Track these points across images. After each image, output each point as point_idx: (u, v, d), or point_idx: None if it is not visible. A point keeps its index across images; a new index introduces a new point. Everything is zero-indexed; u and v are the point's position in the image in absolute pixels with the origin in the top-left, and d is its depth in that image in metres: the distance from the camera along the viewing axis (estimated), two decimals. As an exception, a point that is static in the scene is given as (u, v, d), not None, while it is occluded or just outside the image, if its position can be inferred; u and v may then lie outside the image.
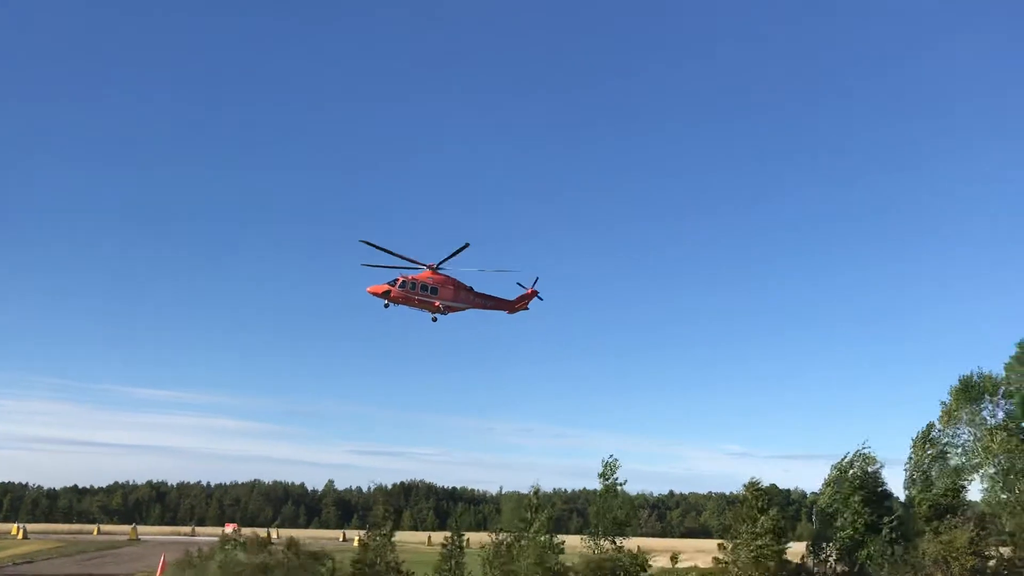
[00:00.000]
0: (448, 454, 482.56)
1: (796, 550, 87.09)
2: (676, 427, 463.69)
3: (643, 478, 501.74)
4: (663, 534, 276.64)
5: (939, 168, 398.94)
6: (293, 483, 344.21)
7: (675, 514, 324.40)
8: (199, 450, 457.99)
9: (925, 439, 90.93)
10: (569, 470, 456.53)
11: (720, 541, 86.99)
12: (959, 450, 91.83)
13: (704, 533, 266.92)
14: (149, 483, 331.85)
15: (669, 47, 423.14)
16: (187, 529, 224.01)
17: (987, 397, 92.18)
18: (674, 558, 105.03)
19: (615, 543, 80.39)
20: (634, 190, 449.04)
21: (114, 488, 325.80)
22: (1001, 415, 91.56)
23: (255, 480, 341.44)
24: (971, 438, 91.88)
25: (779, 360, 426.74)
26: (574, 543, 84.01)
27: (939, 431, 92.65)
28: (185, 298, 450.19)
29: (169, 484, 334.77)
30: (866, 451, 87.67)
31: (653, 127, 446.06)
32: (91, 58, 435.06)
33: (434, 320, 73.25)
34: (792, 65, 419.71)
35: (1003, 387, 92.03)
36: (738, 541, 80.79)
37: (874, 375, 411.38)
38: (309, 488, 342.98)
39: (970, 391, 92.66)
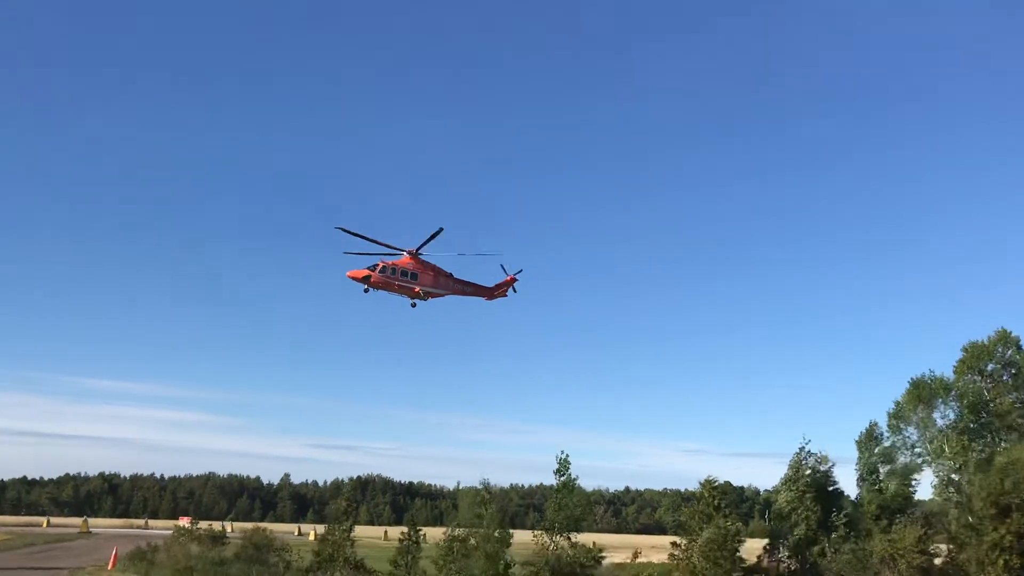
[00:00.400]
0: (405, 449, 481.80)
1: (749, 547, 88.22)
2: (631, 424, 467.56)
3: (599, 474, 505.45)
4: (618, 530, 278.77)
5: (889, 170, 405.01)
6: (248, 476, 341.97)
7: (630, 510, 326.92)
8: (153, 442, 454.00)
9: (868, 438, 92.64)
10: (526, 465, 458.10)
11: (674, 539, 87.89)
12: (908, 451, 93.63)
13: (659, 529, 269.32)
14: (101, 475, 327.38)
15: (658, 25, 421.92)
16: (140, 522, 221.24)
17: (939, 399, 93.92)
18: (636, 554, 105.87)
19: (569, 539, 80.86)
20: (595, 178, 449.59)
21: (65, 480, 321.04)
22: (952, 416, 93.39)
23: (210, 473, 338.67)
24: (920, 439, 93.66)
25: (734, 358, 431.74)
26: (528, 539, 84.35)
27: (886, 432, 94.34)
28: (140, 287, 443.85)
29: (122, 476, 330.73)
30: (811, 449, 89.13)
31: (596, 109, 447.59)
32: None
33: (413, 306, 73.48)
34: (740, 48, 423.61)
35: (953, 389, 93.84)
36: (693, 538, 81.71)
37: (828, 374, 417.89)
38: (264, 482, 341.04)
39: (921, 393, 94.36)
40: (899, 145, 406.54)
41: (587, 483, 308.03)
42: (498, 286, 77.81)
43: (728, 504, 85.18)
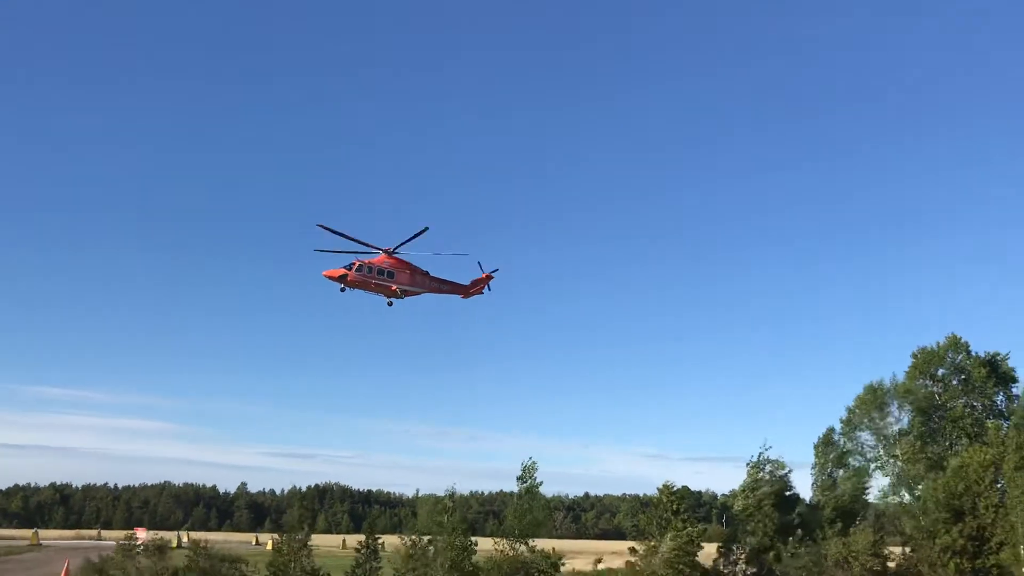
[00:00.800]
0: (364, 456, 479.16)
1: (707, 551, 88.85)
2: (592, 429, 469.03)
3: (558, 480, 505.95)
4: (578, 536, 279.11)
5: (842, 175, 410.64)
6: (204, 485, 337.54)
7: (590, 516, 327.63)
8: (106, 451, 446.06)
9: (826, 443, 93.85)
10: (485, 472, 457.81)
11: (631, 544, 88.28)
12: (862, 455, 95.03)
13: (618, 535, 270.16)
14: (52, 485, 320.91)
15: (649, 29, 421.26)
16: (92, 533, 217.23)
17: (892, 404, 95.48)
18: (598, 560, 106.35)
19: (529, 545, 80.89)
20: (554, 184, 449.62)
21: (14, 491, 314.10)
22: (906, 420, 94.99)
23: (165, 482, 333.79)
24: (874, 443, 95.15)
25: (694, 363, 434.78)
26: (489, 545, 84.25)
27: (841, 436, 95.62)
28: (92, 292, 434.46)
29: (74, 486, 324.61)
30: (771, 454, 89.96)
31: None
32: None
33: (390, 304, 73.01)
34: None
35: (905, 394, 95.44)
36: (652, 543, 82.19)
37: (786, 379, 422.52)
38: (221, 490, 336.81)
39: (875, 397, 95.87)
40: (850, 155, 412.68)
41: (547, 489, 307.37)
42: (474, 284, 77.25)
43: (686, 509, 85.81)
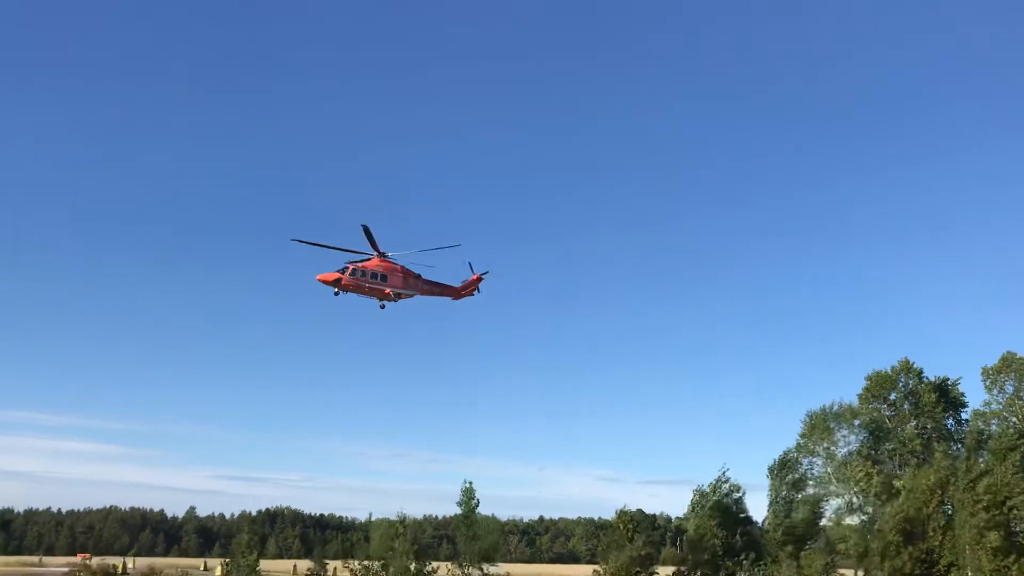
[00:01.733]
0: (315, 480, 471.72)
1: (663, 574, 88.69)
2: (547, 452, 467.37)
3: (514, 504, 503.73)
4: (532, 560, 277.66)
5: (791, 203, 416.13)
6: (151, 509, 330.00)
7: (544, 540, 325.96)
8: (48, 474, 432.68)
9: (781, 467, 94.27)
10: (441, 495, 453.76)
11: (595, 567, 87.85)
12: (814, 479, 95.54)
13: (572, 558, 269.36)
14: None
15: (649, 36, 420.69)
16: (34, 559, 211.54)
17: (843, 427, 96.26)
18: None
19: (483, 570, 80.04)
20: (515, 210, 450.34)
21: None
22: (855, 443, 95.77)
23: (110, 506, 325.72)
24: (825, 466, 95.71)
25: (648, 385, 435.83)
26: (443, 572, 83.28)
27: (794, 459, 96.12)
28: (31, 307, 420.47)
29: (15, 511, 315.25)
30: (728, 477, 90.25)
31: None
32: None
33: (382, 307, 73.39)
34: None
35: (858, 417, 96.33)
36: (607, 566, 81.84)
37: (740, 402, 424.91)
38: (169, 514, 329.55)
39: (826, 420, 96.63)
40: (813, 186, 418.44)
41: (502, 512, 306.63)
42: (465, 285, 78.30)
43: (642, 532, 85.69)
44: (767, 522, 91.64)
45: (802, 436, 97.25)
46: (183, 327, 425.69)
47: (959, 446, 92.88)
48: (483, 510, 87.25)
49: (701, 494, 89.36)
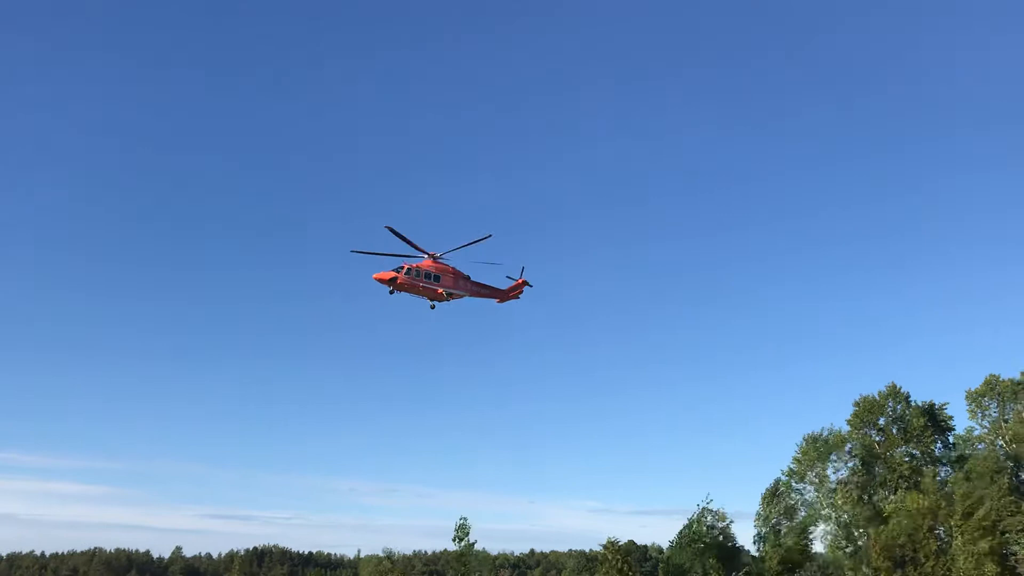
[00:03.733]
0: (304, 517, 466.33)
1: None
2: (538, 484, 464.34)
3: (504, 537, 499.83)
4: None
5: (783, 239, 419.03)
6: (137, 550, 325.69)
7: (536, 573, 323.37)
8: (32, 517, 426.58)
9: (773, 495, 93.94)
10: (432, 531, 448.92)
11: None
12: (806, 506, 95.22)
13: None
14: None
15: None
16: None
17: (834, 453, 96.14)
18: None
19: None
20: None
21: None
22: (844, 471, 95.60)
23: (95, 548, 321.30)
24: (816, 493, 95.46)
25: (637, 416, 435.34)
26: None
27: (784, 487, 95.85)
28: (9, 344, 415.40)
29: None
30: (711, 506, 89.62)
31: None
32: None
33: (432, 307, 76.43)
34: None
35: (848, 444, 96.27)
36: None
37: (729, 430, 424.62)
38: (155, 555, 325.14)
39: (817, 448, 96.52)
40: (790, 218, 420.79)
41: (492, 547, 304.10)
42: (511, 289, 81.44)
43: (632, 565, 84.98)
44: (760, 549, 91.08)
45: (794, 462, 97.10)
46: (167, 364, 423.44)
47: (948, 470, 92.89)
48: (475, 545, 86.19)
49: (688, 525, 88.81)
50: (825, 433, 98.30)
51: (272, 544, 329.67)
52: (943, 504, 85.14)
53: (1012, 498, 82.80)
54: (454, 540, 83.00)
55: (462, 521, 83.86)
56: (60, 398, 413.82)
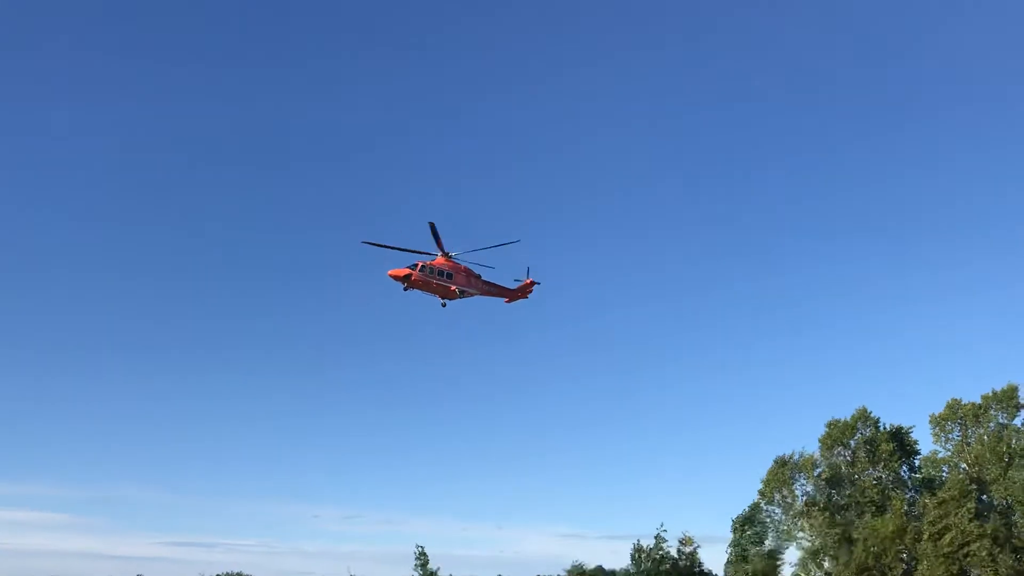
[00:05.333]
0: (269, 544, 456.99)
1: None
2: (504, 509, 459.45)
3: (472, 563, 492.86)
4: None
5: (754, 266, 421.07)
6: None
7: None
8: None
9: (746, 520, 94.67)
10: (397, 557, 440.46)
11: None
12: (775, 530, 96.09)
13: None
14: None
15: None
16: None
17: (801, 477, 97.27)
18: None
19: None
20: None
21: None
22: (815, 493, 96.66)
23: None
24: (784, 517, 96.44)
25: (607, 440, 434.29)
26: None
27: (752, 511, 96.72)
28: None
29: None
30: (666, 537, 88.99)
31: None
32: None
33: (443, 306, 77.89)
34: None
35: (817, 467, 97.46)
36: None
37: (701, 452, 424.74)
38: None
39: (785, 470, 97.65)
40: (770, 239, 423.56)
41: (460, 573, 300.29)
42: (520, 289, 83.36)
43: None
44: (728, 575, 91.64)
45: (764, 484, 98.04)
46: (124, 386, 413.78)
47: (914, 493, 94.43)
48: (440, 572, 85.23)
49: (638, 550, 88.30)
50: (796, 456, 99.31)
51: (236, 572, 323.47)
52: (911, 528, 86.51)
53: (977, 523, 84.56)
54: (415, 569, 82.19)
55: (420, 549, 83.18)
56: (11, 422, 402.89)
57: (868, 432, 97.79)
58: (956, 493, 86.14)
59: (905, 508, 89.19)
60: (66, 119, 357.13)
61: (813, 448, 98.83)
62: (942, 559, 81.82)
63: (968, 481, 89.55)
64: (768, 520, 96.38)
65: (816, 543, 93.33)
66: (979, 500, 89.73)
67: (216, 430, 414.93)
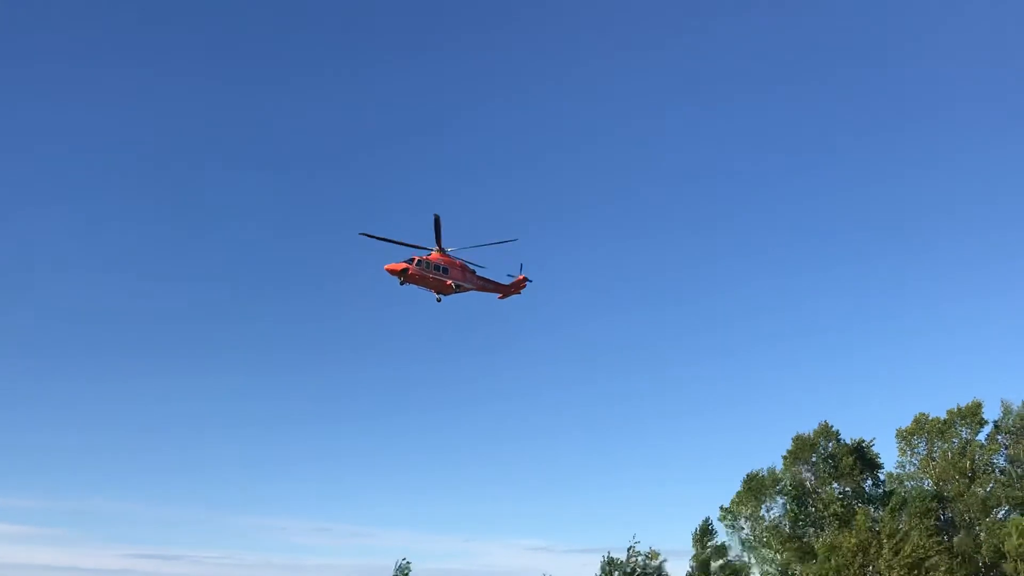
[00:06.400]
0: (235, 557, 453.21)
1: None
2: (473, 522, 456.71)
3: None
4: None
5: (717, 284, 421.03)
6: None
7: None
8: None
9: (703, 534, 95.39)
10: (366, 570, 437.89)
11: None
12: (740, 545, 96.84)
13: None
14: None
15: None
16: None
17: (767, 492, 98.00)
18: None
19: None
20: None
21: None
22: (777, 510, 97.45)
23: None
24: (750, 532, 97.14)
25: (577, 452, 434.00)
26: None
27: (716, 527, 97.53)
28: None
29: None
30: (639, 550, 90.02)
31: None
32: None
33: (439, 300, 78.31)
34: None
35: (781, 481, 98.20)
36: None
37: (670, 466, 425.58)
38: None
39: (752, 487, 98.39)
40: (737, 267, 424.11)
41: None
42: (512, 285, 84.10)
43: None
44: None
45: (733, 501, 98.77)
46: (86, 394, 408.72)
47: (876, 507, 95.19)
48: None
49: (610, 562, 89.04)
50: (764, 472, 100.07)
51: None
52: (873, 542, 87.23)
53: (938, 538, 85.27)
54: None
55: (404, 561, 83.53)
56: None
57: (830, 447, 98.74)
58: (917, 508, 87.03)
59: (869, 523, 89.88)
60: (66, 119, 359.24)
61: (779, 463, 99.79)
62: (904, 572, 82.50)
63: (930, 497, 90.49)
64: (733, 535, 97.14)
65: (780, 558, 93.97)
66: (941, 515, 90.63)
67: (183, 440, 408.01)
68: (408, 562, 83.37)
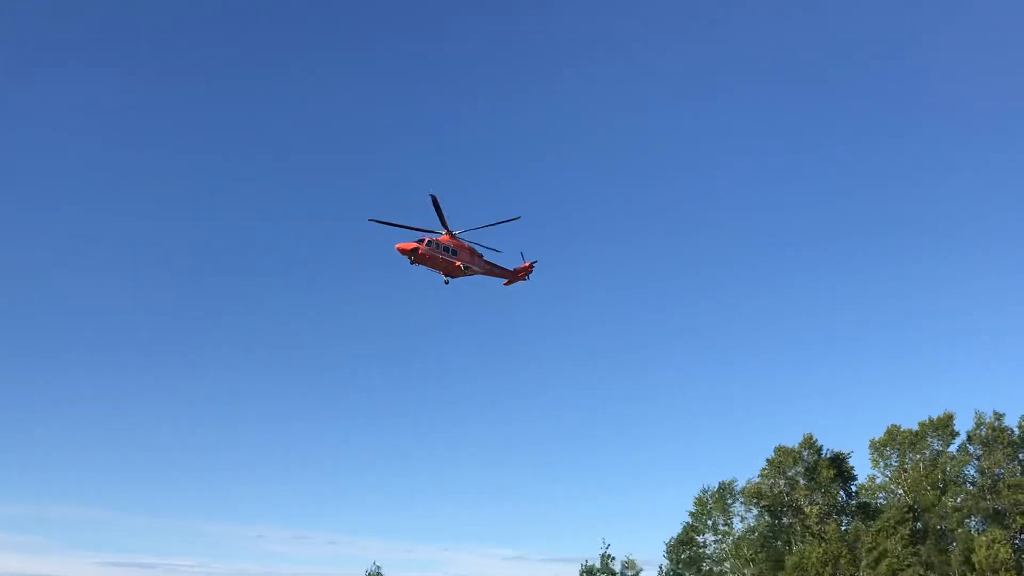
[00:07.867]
0: (209, 565, 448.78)
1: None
2: (450, 531, 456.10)
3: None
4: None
5: (705, 292, 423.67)
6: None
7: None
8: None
9: (679, 544, 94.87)
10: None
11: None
12: (710, 556, 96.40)
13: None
14: None
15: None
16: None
17: (738, 503, 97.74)
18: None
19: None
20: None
21: None
22: (752, 520, 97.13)
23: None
24: (720, 544, 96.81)
25: (553, 461, 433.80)
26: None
27: (688, 536, 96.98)
28: None
29: None
30: (611, 556, 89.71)
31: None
32: None
33: (446, 283, 78.88)
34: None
35: (755, 494, 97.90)
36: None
37: (646, 476, 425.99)
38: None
39: (723, 496, 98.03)
40: (719, 278, 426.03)
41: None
42: (518, 270, 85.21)
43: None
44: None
45: (695, 510, 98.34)
46: (61, 399, 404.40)
47: (850, 519, 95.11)
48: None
49: (588, 571, 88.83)
50: (740, 483, 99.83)
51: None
52: (845, 552, 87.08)
53: (912, 549, 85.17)
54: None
55: (376, 570, 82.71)
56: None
57: (811, 458, 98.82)
58: (892, 520, 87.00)
59: (839, 534, 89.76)
60: (67, 117, 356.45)
61: (754, 474, 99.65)
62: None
63: (905, 508, 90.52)
64: (704, 546, 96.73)
65: (752, 570, 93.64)
66: (914, 527, 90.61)
67: (156, 447, 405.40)
68: (379, 568, 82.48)
